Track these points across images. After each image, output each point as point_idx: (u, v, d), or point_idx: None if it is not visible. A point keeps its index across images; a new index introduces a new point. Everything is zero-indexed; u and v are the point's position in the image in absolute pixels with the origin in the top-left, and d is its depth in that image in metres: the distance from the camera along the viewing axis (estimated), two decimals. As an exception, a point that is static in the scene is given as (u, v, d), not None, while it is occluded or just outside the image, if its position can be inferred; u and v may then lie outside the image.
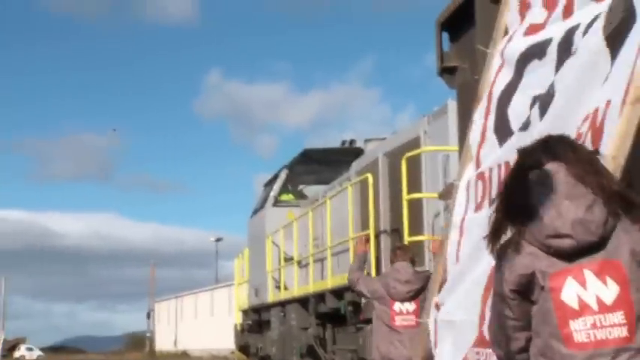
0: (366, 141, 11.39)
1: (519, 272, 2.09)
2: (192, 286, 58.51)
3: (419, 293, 5.54)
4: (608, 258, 2.07)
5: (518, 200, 2.13)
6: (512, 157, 2.93)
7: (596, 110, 2.74)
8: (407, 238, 7.21)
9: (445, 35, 5.71)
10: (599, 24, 2.93)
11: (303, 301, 10.92)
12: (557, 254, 2.09)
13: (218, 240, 58.54)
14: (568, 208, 2.05)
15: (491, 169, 3.76)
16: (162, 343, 57.00)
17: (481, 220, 3.44)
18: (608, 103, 2.68)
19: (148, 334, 57.30)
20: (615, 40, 2.82)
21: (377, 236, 8.52)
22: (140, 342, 60.48)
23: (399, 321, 5.60)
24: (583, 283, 2.07)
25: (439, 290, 4.15)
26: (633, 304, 2.03)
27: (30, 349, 61.34)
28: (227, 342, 23.79)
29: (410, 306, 5.63)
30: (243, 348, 15.60)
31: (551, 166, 2.13)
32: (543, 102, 3.30)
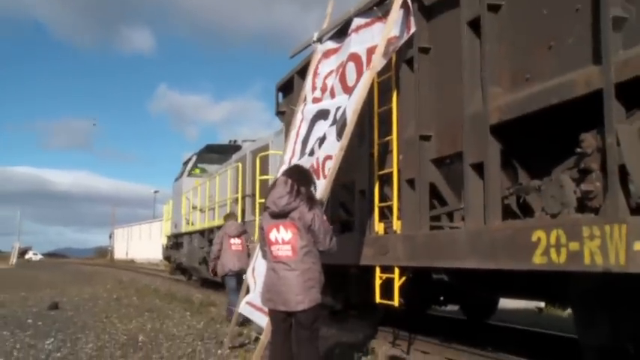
0: (243, 141, 16.63)
1: (261, 221, 4.64)
2: (139, 219, 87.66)
3: (241, 234, 10.19)
4: (290, 220, 4.34)
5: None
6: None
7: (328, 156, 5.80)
8: (258, 200, 11.70)
9: (280, 94, 10.00)
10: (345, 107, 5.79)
11: (201, 232, 16.03)
12: (270, 215, 4.45)
13: (156, 192, 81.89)
14: (275, 194, 4.39)
15: None
16: (119, 254, 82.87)
17: None
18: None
19: (109, 248, 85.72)
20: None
21: (243, 198, 13.18)
22: (104, 253, 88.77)
23: (234, 247, 10.05)
24: (278, 230, 4.40)
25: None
26: (297, 242, 4.31)
27: (35, 254, 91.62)
28: (158, 254, 30.46)
29: (237, 240, 10.09)
30: (167, 258, 24.06)
31: (283, 177, 4.53)
32: (320, 142, 6.20)
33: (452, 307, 9.93)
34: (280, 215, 4.43)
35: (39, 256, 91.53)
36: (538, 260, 4.02)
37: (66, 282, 21.62)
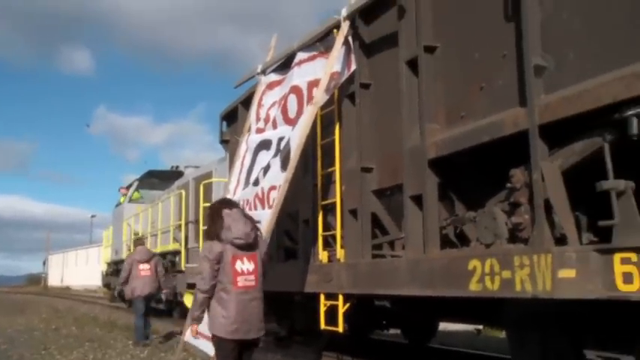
0: (186, 167, 16.57)
1: (217, 251, 4.61)
2: (74, 245, 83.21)
3: (150, 259, 10.66)
4: (254, 252, 4.72)
5: (219, 222, 4.70)
6: (248, 197, 6.76)
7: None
8: (202, 227, 11.73)
9: (224, 122, 10.10)
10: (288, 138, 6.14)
11: None
12: (237, 246, 4.64)
13: (93, 216, 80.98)
14: (242, 227, 4.66)
15: (239, 200, 6.53)
16: (53, 281, 79.20)
17: None
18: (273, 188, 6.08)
19: (43, 275, 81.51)
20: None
21: (186, 224, 13.14)
22: (37, 280, 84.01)
23: (143, 272, 10.48)
24: (242, 261, 4.67)
25: None
26: (257, 272, 4.69)
27: None
28: (96, 281, 29.88)
29: (146, 265, 10.51)
30: (107, 285, 23.54)
31: (233, 210, 4.83)
32: (265, 172, 6.48)
33: (394, 331, 10.18)
34: (249, 247, 4.75)
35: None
36: (474, 287, 4.28)
37: (-3, 312, 20.79)
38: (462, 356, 8.69)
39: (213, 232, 4.80)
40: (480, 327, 12.39)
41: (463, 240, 5.00)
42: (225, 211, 4.83)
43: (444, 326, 10.87)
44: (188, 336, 7.04)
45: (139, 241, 11.50)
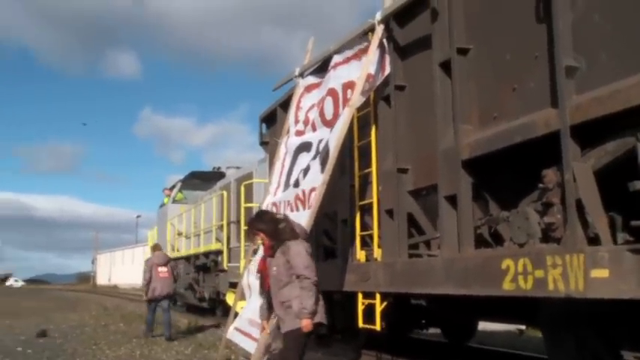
0: (227, 168, 16.67)
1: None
2: (122, 244, 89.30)
3: (167, 263, 11.64)
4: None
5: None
6: (289, 198, 6.94)
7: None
8: (243, 227, 11.97)
9: (264, 124, 10.30)
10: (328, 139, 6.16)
11: (187, 258, 16.24)
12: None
13: (138, 216, 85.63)
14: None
15: (280, 202, 6.93)
16: (101, 279, 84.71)
17: None
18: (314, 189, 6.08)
19: (92, 274, 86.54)
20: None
21: (228, 224, 13.39)
22: (87, 278, 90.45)
23: (162, 274, 11.49)
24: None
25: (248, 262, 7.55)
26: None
27: (16, 280, 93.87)
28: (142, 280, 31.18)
29: (164, 268, 11.55)
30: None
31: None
32: (305, 173, 6.56)
33: (435, 331, 10.21)
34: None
35: (20, 283, 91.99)
36: (507, 286, 4.32)
37: (50, 309, 21.55)
38: (500, 355, 8.66)
39: (298, 233, 5.25)
40: (523, 327, 12.34)
41: (498, 240, 5.04)
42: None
43: (485, 326, 10.84)
44: (230, 333, 7.25)
45: (156, 246, 12.50)
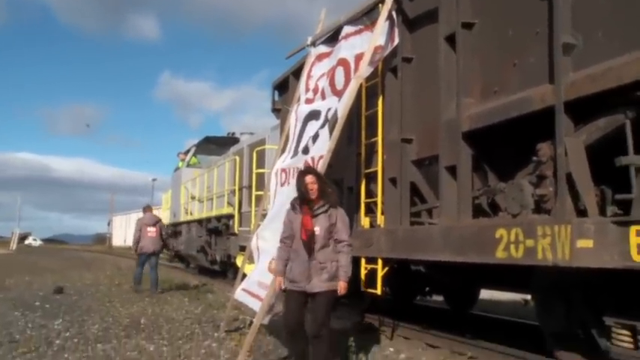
0: (241, 133, 16.80)
1: None
2: (137, 207, 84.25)
3: (156, 224, 12.77)
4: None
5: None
6: (298, 164, 6.66)
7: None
8: (254, 192, 12.25)
9: (276, 92, 10.45)
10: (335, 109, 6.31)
11: (199, 221, 16.69)
12: None
13: (154, 180, 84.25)
14: None
15: (289, 168, 7.00)
16: (117, 241, 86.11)
17: (284, 191, 6.78)
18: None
19: (108, 235, 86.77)
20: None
21: (240, 189, 13.67)
22: (103, 240, 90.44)
23: (149, 234, 12.62)
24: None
25: (257, 227, 7.67)
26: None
27: (34, 240, 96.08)
28: None
29: (152, 228, 12.69)
30: (165, 246, 22.39)
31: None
32: (314, 141, 6.60)
33: (438, 298, 10.47)
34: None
35: (38, 242, 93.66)
36: (500, 255, 4.53)
37: (67, 268, 22.18)
38: (502, 323, 8.92)
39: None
40: (528, 297, 12.56)
41: (496, 210, 5.23)
42: None
43: (492, 295, 11.08)
44: (238, 294, 7.53)
45: (147, 208, 13.59)
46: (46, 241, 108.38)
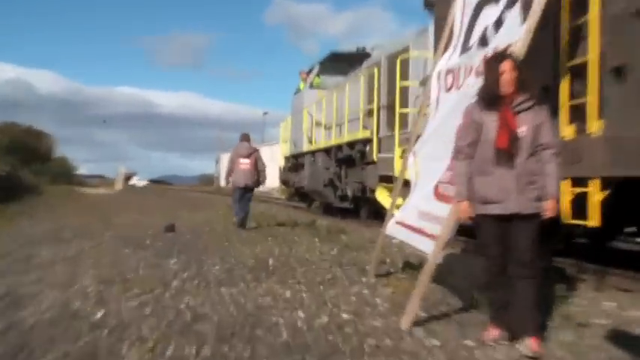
0: (373, 48, 15.50)
1: None
2: None
3: (250, 155, 12.70)
4: None
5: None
6: (472, 63, 5.60)
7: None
8: (398, 111, 11.32)
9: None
10: None
11: (327, 151, 15.94)
12: None
13: (265, 114, 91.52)
14: None
15: (457, 67, 6.09)
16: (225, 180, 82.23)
17: (450, 96, 5.94)
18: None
19: (215, 175, 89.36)
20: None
21: (378, 110, 12.75)
22: (209, 180, 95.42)
23: (242, 166, 12.62)
24: None
25: (415, 141, 6.66)
26: None
27: (140, 180, 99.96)
28: (269, 181, 31.64)
29: (246, 160, 12.68)
30: (284, 181, 23.64)
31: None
32: (496, 28, 5.52)
33: None
34: None
35: (143, 182, 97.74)
36: None
37: (175, 207, 22.50)
38: None
39: None
40: None
41: None
42: None
43: None
44: (391, 228, 6.73)
45: (244, 136, 13.29)
46: (151, 181, 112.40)
